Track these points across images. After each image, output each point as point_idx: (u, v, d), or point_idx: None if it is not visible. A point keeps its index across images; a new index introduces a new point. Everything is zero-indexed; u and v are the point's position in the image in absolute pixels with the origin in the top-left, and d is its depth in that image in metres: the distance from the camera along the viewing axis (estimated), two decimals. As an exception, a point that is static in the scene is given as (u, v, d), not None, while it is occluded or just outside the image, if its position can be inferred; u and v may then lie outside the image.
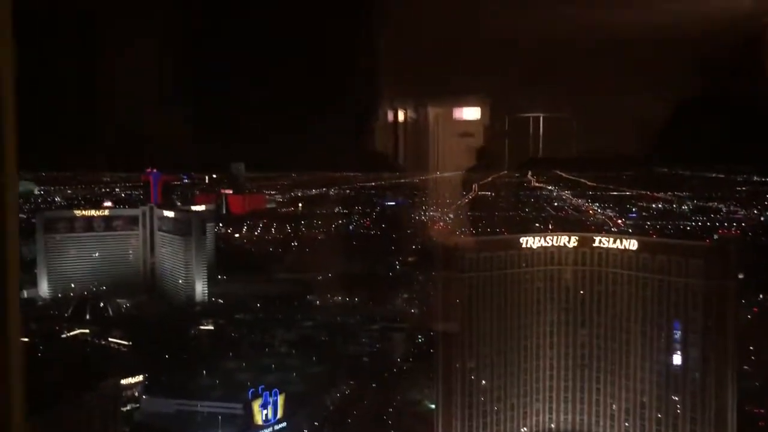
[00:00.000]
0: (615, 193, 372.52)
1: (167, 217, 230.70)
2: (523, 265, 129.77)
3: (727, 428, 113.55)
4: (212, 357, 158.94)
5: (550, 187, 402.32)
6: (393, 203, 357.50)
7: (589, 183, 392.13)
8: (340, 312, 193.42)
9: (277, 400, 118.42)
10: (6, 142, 6.97)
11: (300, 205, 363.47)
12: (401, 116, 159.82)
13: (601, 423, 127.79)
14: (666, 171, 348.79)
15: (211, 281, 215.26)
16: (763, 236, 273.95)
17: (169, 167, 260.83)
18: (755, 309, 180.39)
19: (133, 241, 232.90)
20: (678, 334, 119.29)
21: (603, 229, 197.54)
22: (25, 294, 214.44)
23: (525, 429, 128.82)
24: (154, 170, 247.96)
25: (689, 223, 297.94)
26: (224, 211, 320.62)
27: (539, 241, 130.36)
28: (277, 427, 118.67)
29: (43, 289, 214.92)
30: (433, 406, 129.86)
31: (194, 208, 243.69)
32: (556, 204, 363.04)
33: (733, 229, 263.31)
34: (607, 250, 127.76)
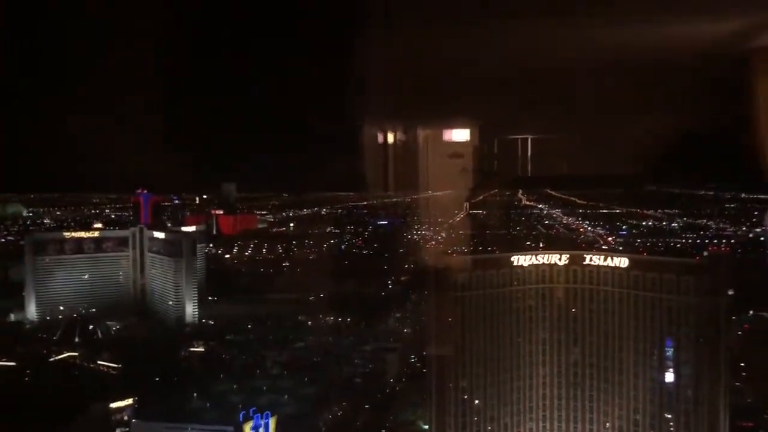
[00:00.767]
0: (605, 211, 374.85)
1: (157, 238, 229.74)
2: (515, 283, 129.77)
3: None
4: (203, 379, 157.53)
5: (540, 206, 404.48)
6: (385, 223, 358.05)
7: (579, 201, 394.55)
8: (332, 332, 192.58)
9: (268, 422, 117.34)
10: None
11: (291, 225, 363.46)
12: (391, 137, 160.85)
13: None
14: (655, 189, 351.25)
15: (202, 302, 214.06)
16: (752, 252, 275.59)
17: (159, 188, 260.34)
18: (746, 325, 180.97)
19: (123, 263, 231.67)
20: (670, 352, 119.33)
21: (594, 247, 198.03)
22: (13, 317, 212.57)
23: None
24: (144, 191, 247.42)
25: (679, 241, 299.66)
26: (215, 232, 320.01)
27: (530, 259, 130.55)
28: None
29: (32, 311, 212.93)
30: (426, 427, 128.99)
31: (185, 228, 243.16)
32: (546, 222, 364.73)
33: (722, 245, 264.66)
34: (598, 267, 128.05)
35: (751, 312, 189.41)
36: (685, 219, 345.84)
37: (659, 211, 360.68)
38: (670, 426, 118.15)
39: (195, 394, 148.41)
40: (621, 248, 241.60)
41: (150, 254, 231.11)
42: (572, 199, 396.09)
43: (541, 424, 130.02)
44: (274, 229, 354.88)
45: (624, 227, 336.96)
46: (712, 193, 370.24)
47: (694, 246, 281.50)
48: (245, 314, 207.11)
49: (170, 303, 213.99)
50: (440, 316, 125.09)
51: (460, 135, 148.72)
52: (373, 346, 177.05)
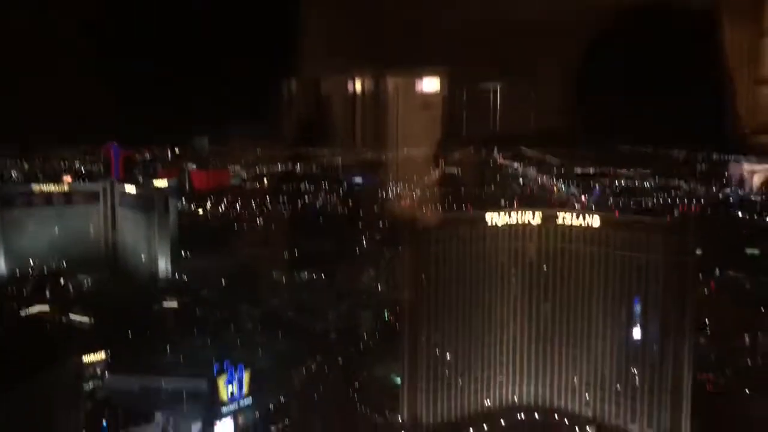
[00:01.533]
0: (579, 170, 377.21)
1: (129, 193, 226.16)
2: (488, 241, 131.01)
3: (683, 398, 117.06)
4: (176, 334, 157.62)
5: (515, 164, 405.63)
6: (360, 180, 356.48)
7: (553, 160, 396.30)
8: (307, 289, 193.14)
9: (242, 376, 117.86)
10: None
11: (265, 180, 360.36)
12: (360, 88, 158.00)
13: (562, 395, 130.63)
14: (629, 148, 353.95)
15: (175, 258, 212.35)
16: (722, 213, 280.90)
17: (130, 141, 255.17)
18: (712, 283, 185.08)
19: (94, 217, 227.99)
20: (638, 309, 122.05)
21: (567, 206, 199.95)
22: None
23: (488, 401, 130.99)
24: (115, 144, 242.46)
25: (651, 200, 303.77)
26: (187, 187, 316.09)
27: (504, 217, 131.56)
28: (242, 403, 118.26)
29: (0, 265, 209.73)
30: (398, 381, 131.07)
31: (157, 183, 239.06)
32: (521, 181, 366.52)
33: (693, 206, 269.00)
34: (571, 226, 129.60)
35: (718, 271, 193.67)
36: (657, 179, 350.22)
37: (632, 170, 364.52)
38: (636, 380, 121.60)
39: (168, 349, 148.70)
40: (593, 207, 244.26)
41: (121, 209, 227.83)
42: (547, 157, 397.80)
43: (510, 378, 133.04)
44: (248, 185, 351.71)
45: (597, 186, 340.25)
46: (684, 153, 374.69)
47: (665, 206, 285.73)
48: (219, 270, 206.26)
49: (142, 258, 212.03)
50: (414, 273, 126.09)
51: (430, 85, 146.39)
52: (347, 302, 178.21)
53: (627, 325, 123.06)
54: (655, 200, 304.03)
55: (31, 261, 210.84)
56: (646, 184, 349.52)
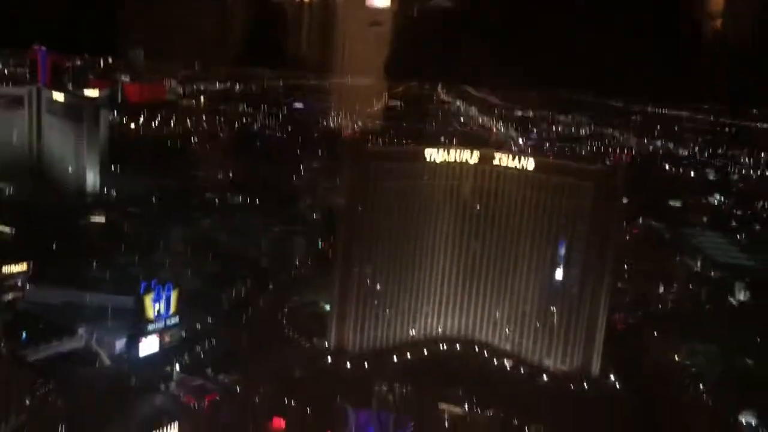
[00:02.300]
0: (519, 113, 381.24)
1: (57, 101, 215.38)
2: (426, 177, 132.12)
3: (596, 336, 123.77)
4: (103, 250, 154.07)
5: (457, 102, 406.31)
6: (301, 106, 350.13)
7: (496, 101, 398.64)
8: (240, 213, 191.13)
9: (170, 295, 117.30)
10: None
11: (202, 99, 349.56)
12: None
13: (485, 328, 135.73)
14: (568, 95, 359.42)
15: (104, 172, 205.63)
16: (651, 165, 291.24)
17: (60, 46, 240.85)
18: (635, 230, 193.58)
19: (18, 123, 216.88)
20: (562, 251, 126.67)
21: (504, 148, 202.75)
22: None
23: (414, 332, 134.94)
24: (43, 47, 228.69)
25: (585, 148, 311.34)
26: (120, 99, 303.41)
27: (443, 154, 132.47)
28: (169, 322, 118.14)
29: None
30: (328, 308, 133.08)
31: (87, 92, 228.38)
32: (462, 119, 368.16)
33: (624, 156, 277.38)
34: (506, 168, 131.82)
35: (641, 219, 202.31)
36: (594, 127, 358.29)
37: (570, 117, 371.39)
38: (554, 318, 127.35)
39: (94, 264, 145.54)
40: (530, 150, 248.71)
41: (48, 116, 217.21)
42: (489, 99, 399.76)
43: (436, 310, 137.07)
44: (184, 102, 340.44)
45: (535, 130, 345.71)
46: (621, 104, 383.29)
47: (598, 154, 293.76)
48: (150, 188, 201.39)
49: (70, 170, 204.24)
50: (350, 203, 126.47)
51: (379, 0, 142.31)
52: (281, 228, 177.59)
53: (551, 266, 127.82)
54: (589, 147, 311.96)
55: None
56: (582, 131, 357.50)
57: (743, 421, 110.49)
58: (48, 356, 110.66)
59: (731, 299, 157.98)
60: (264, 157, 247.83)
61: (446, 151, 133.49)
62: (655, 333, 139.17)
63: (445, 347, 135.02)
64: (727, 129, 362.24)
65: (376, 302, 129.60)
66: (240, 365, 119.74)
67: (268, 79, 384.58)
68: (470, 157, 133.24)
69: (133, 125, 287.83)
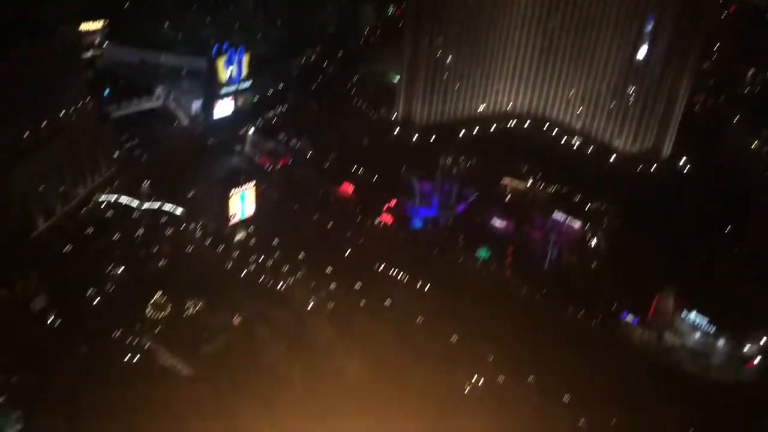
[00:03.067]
0: None
1: None
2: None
3: (672, 117, 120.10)
4: (175, 9, 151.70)
5: None
6: None
7: None
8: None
9: (242, 58, 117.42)
10: None
11: None
12: None
13: (556, 107, 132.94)
14: None
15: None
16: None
17: None
18: (732, 8, 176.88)
19: None
20: (649, 28, 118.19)
21: None
22: None
23: (482, 107, 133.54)
24: None
25: None
26: None
27: None
28: (241, 86, 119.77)
29: None
30: (396, 79, 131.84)
31: None
32: None
33: None
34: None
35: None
36: None
37: None
38: (630, 98, 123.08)
39: (167, 23, 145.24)
40: None
41: None
42: None
43: (508, 87, 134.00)
44: None
45: None
46: None
47: None
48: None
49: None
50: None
51: None
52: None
53: (634, 44, 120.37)
54: None
55: None
56: None
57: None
58: (129, 114, 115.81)
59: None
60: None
61: None
62: (735, 118, 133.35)
63: (513, 124, 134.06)
64: None
65: (445, 75, 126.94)
66: (310, 132, 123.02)
67: None
68: None
69: None
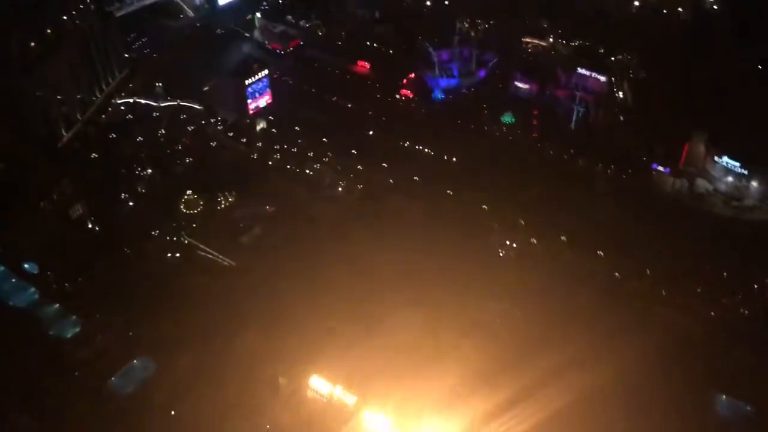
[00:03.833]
0: None
1: None
2: None
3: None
4: None
5: None
6: None
7: None
8: None
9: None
10: None
11: None
12: None
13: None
14: None
15: None
16: None
17: None
18: None
19: None
20: None
21: None
22: None
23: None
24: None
25: None
26: None
27: None
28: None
29: None
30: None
31: None
32: None
33: None
34: None
35: None
36: None
37: None
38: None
39: None
40: None
41: None
42: None
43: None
44: None
45: None
46: None
47: None
48: None
49: None
50: None
51: None
52: None
53: None
54: None
55: None
56: None
57: None
58: (135, 11, 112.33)
59: None
60: None
61: None
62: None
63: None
64: None
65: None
66: (319, 10, 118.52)
67: None
68: None
69: None
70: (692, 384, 61.46)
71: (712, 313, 68.99)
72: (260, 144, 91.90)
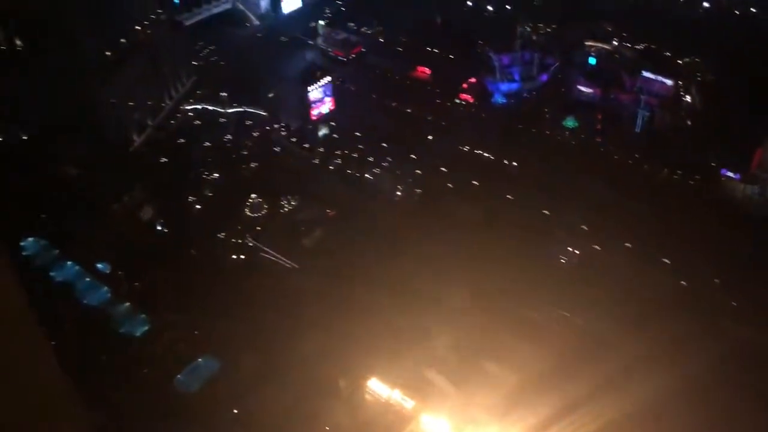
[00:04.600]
0: None
1: None
2: None
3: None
4: None
5: None
6: None
7: None
8: None
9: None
10: None
11: None
12: None
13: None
14: None
15: None
16: None
17: None
18: None
19: None
20: None
21: None
22: None
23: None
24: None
25: None
26: None
27: None
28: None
29: None
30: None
31: None
32: None
33: None
34: None
35: None
36: None
37: None
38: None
39: None
40: None
41: None
42: None
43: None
44: None
45: None
46: None
47: None
48: None
49: None
50: None
51: None
52: None
53: None
54: None
55: None
56: None
57: None
58: (202, 20, 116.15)
59: None
60: None
61: None
62: None
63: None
64: None
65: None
66: (381, 17, 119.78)
67: None
68: None
69: None
70: (763, 406, 58.92)
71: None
72: (322, 149, 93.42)
